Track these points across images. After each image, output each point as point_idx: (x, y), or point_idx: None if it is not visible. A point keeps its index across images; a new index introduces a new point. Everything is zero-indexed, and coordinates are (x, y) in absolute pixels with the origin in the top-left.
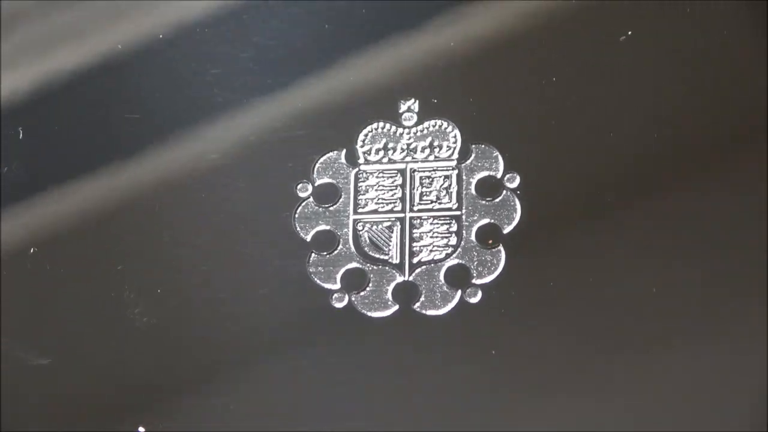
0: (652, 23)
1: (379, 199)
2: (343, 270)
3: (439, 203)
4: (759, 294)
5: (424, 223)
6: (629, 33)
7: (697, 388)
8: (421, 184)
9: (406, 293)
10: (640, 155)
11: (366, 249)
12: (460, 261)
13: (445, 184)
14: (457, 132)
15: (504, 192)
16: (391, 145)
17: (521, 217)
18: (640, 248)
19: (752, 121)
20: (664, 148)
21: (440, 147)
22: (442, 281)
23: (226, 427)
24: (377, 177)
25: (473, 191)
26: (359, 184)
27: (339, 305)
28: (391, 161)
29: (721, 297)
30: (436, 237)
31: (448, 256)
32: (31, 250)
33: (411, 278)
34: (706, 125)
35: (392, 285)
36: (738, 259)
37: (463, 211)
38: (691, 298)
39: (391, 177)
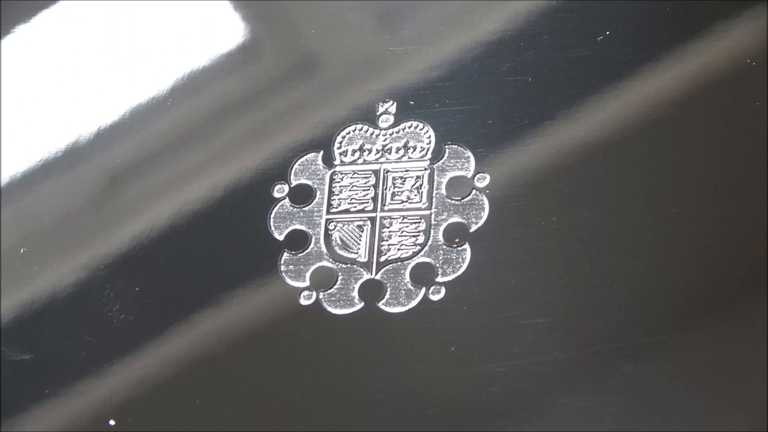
0: (629, 23)
1: (351, 199)
2: (312, 268)
3: (410, 203)
4: (759, 294)
5: (394, 222)
6: (607, 33)
7: (697, 388)
8: (394, 184)
9: (372, 291)
10: (613, 156)
11: (336, 248)
12: (427, 259)
13: (417, 184)
14: (431, 132)
15: (473, 191)
16: (367, 146)
17: (489, 216)
18: (608, 249)
19: (752, 122)
20: (638, 148)
21: (414, 148)
22: (408, 279)
23: (194, 423)
24: (351, 178)
25: (443, 191)
26: (333, 185)
27: (306, 303)
28: (365, 162)
29: (720, 297)
30: (405, 236)
31: (414, 254)
32: (21, 251)
33: (377, 276)
34: (694, 124)
35: (359, 283)
36: (737, 258)
37: (433, 210)
38: (673, 295)
39: (365, 177)
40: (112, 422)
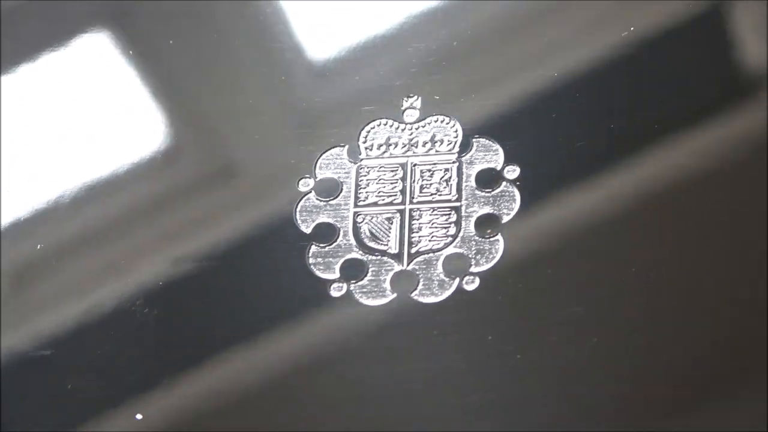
0: (654, 21)
1: (379, 192)
2: (342, 261)
3: (439, 195)
4: (759, 294)
5: (424, 214)
6: (631, 29)
7: (697, 389)
8: (422, 176)
9: (404, 282)
10: (640, 149)
11: (365, 240)
12: (459, 250)
13: (446, 177)
14: (458, 126)
15: (503, 183)
16: (393, 140)
17: (520, 207)
18: (638, 240)
19: (752, 123)
20: (665, 142)
21: (441, 141)
22: (440, 270)
23: (225, 418)
24: (378, 171)
25: (473, 183)
26: (360, 178)
27: (337, 294)
28: (392, 156)
29: (721, 296)
30: (436, 227)
31: (446, 245)
32: (38, 246)
33: (409, 267)
34: (707, 123)
35: (390, 274)
36: (738, 258)
37: (463, 202)
38: (691, 295)
39: (392, 171)
40: (139, 416)
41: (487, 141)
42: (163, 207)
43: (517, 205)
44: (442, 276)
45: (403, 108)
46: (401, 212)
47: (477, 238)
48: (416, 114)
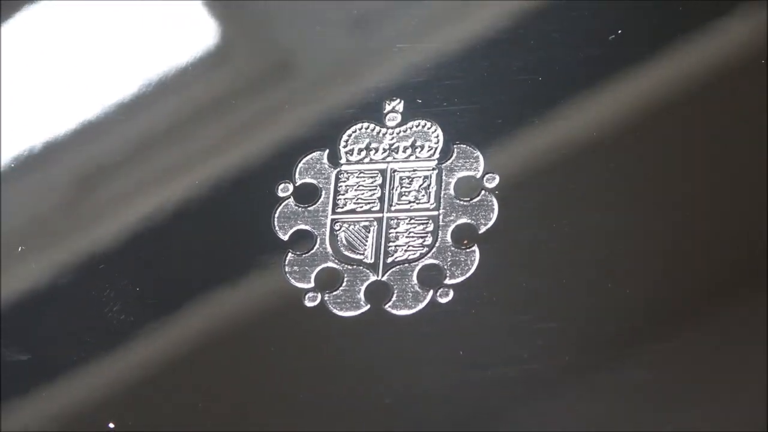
0: (643, 24)
1: (358, 199)
2: (317, 269)
3: (417, 203)
4: (759, 294)
5: (401, 223)
6: (619, 32)
7: (697, 388)
8: (401, 184)
9: (378, 293)
10: (624, 158)
11: (342, 249)
12: (434, 261)
13: (424, 184)
14: (439, 132)
15: (482, 192)
16: (373, 145)
17: (498, 218)
18: (615, 254)
19: (752, 122)
20: (649, 150)
21: (422, 147)
22: (415, 281)
23: (197, 425)
24: (357, 177)
25: (452, 191)
26: (339, 184)
27: (311, 304)
28: (372, 161)
29: (720, 297)
30: (412, 237)
31: (422, 255)
32: (19, 249)
33: (384, 278)
34: (701, 124)
35: (365, 284)
36: (737, 259)
37: (441, 211)
38: (683, 298)
39: (372, 177)
40: (111, 425)
41: (468, 148)
42: None
43: (494, 215)
44: (416, 288)
45: (385, 111)
46: (378, 220)
47: (453, 248)
48: (398, 118)
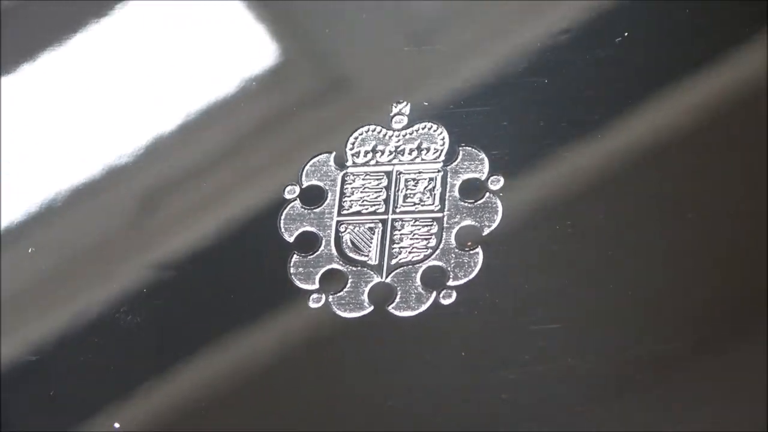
0: (647, 25)
1: (363, 201)
2: (322, 271)
3: (422, 205)
4: (759, 295)
5: (406, 224)
6: (625, 34)
7: (697, 388)
8: (406, 186)
9: (382, 294)
10: (629, 160)
11: (347, 251)
12: (438, 263)
13: (430, 186)
14: (445, 134)
15: (487, 194)
16: (379, 147)
17: (502, 220)
18: (622, 254)
19: (752, 122)
20: (653, 152)
21: (428, 149)
22: (418, 283)
23: (200, 425)
24: (363, 179)
25: (456, 193)
26: (345, 187)
27: (315, 306)
28: (378, 163)
29: (720, 298)
30: (416, 239)
31: (426, 257)
32: (29, 250)
33: (388, 280)
34: (704, 126)
35: (369, 286)
36: (736, 259)
37: (445, 213)
38: (684, 301)
39: (377, 179)
40: (117, 425)
41: (473, 150)
42: None
43: (498, 217)
44: (419, 289)
45: (391, 114)
46: (383, 222)
47: (457, 250)
48: (404, 120)
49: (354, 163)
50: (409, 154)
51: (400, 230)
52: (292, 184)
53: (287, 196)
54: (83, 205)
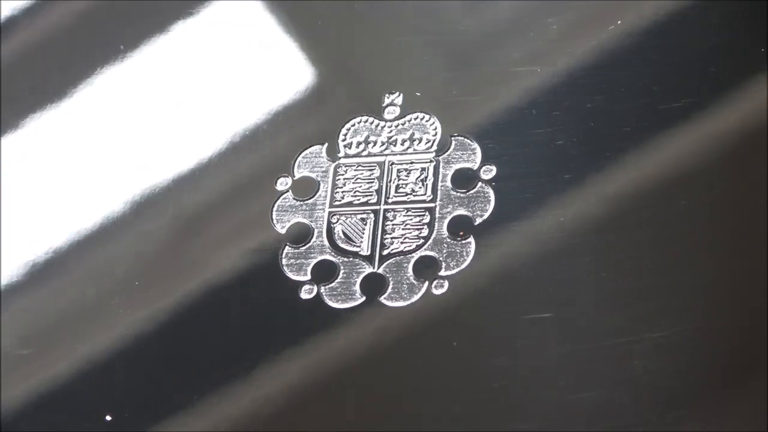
0: (642, 19)
1: (355, 191)
2: (314, 262)
3: (414, 195)
4: (759, 294)
5: (398, 215)
6: (618, 22)
7: (697, 388)
8: (398, 176)
9: (374, 285)
10: (622, 148)
11: (339, 241)
12: (430, 253)
13: (422, 176)
14: (437, 124)
15: (479, 184)
16: (372, 138)
17: (494, 209)
18: (612, 244)
19: (752, 122)
20: (647, 142)
21: (420, 140)
22: (410, 273)
23: (193, 418)
24: (355, 170)
25: (449, 183)
26: (337, 178)
27: (307, 297)
28: (370, 154)
29: (719, 296)
30: (408, 229)
31: (418, 247)
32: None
33: (380, 270)
34: (696, 121)
35: (361, 277)
36: (736, 257)
37: (437, 202)
38: (681, 289)
39: (370, 170)
40: (108, 418)
41: (465, 140)
42: None
43: (491, 207)
44: (412, 279)
45: (384, 104)
46: (375, 213)
47: (449, 240)
48: (397, 111)
49: (346, 154)
50: (402, 144)
51: (392, 221)
52: (284, 176)
53: (279, 187)
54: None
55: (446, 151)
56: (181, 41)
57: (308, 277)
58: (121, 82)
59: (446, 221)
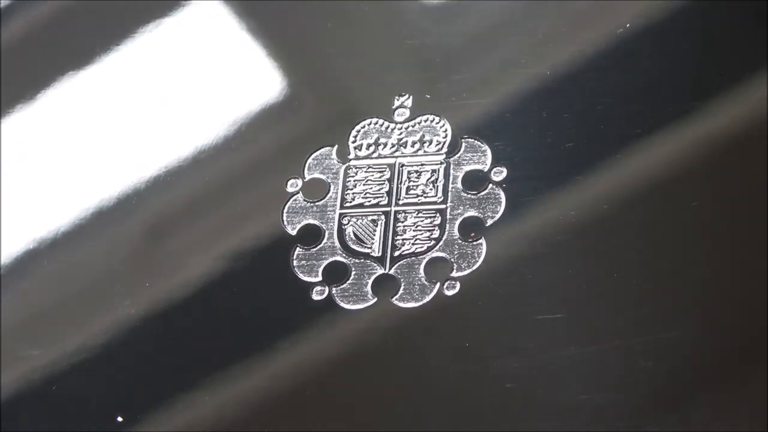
0: (646, 19)
1: (366, 193)
2: (325, 263)
3: (425, 197)
4: (759, 293)
5: (409, 216)
6: (627, 25)
7: (697, 388)
8: (409, 178)
9: (385, 286)
10: (633, 150)
11: (350, 243)
12: (442, 254)
13: (432, 178)
14: (447, 126)
15: (490, 185)
16: (382, 140)
17: (505, 211)
18: (621, 244)
19: (752, 121)
20: (657, 147)
21: (430, 141)
22: (422, 274)
23: (204, 418)
24: (366, 172)
25: (459, 185)
26: (348, 179)
27: (319, 298)
28: (380, 156)
29: (720, 295)
30: (419, 230)
31: (429, 249)
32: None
33: (391, 271)
34: (704, 123)
35: (372, 278)
36: (736, 255)
37: (448, 204)
38: (676, 297)
39: (380, 171)
40: (120, 419)
41: (476, 141)
42: None
43: (502, 208)
44: (423, 280)
45: (393, 107)
46: (386, 214)
47: (460, 241)
48: (407, 113)
49: (356, 156)
50: (412, 146)
51: (403, 222)
52: (294, 178)
53: (290, 189)
54: (83, 199)
55: (457, 152)
56: (182, 40)
57: (319, 278)
58: (125, 82)
59: (457, 223)
